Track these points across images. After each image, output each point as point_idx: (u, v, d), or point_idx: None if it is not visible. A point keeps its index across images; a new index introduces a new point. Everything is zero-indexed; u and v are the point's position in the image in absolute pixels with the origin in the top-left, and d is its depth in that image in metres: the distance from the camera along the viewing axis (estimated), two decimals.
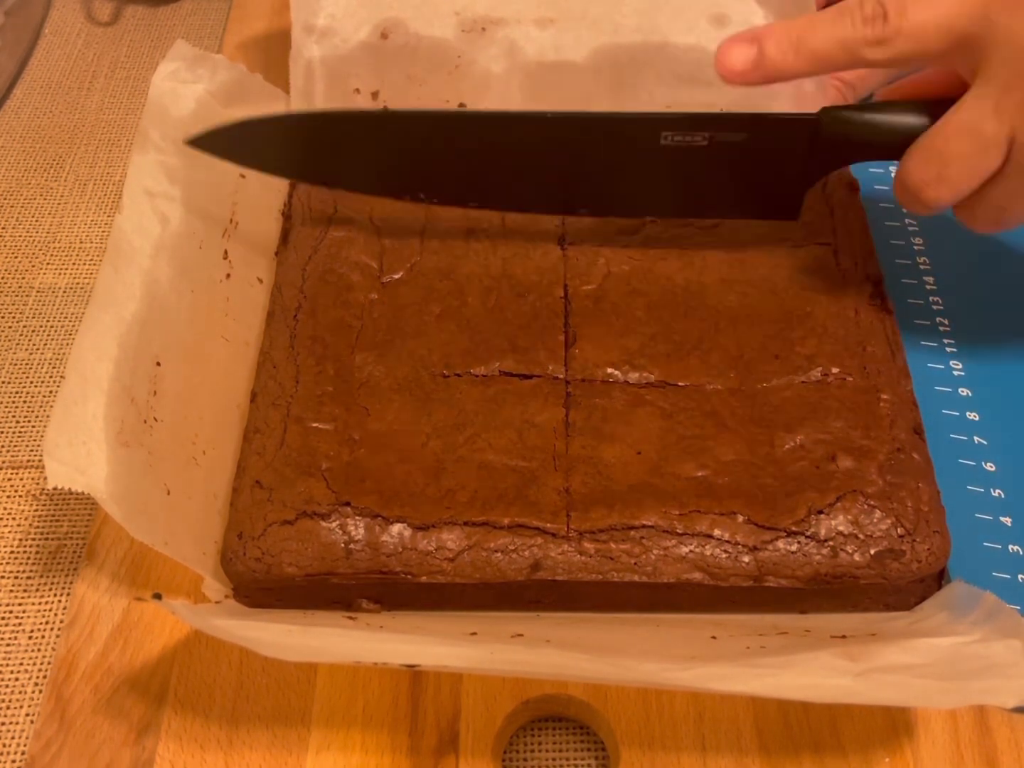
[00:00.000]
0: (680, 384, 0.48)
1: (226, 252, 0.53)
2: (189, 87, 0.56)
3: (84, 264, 0.61)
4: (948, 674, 0.37)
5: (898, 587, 0.43)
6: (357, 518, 0.43)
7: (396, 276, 0.51)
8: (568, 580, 0.42)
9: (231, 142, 0.51)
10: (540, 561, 0.42)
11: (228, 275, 0.52)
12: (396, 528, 0.43)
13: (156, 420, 0.45)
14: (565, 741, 0.44)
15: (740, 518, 0.43)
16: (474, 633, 0.42)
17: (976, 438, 0.50)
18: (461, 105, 0.62)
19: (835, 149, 0.47)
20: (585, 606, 0.44)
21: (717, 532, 0.43)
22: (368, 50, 0.62)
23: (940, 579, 0.44)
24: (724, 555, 0.43)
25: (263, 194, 0.57)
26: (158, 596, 0.39)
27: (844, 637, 0.42)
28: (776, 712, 0.42)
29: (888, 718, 0.42)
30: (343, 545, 0.42)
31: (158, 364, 0.46)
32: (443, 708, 0.43)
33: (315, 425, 0.45)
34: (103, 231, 0.63)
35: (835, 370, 0.48)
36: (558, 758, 0.43)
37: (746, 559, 0.43)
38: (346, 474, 0.44)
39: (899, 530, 0.43)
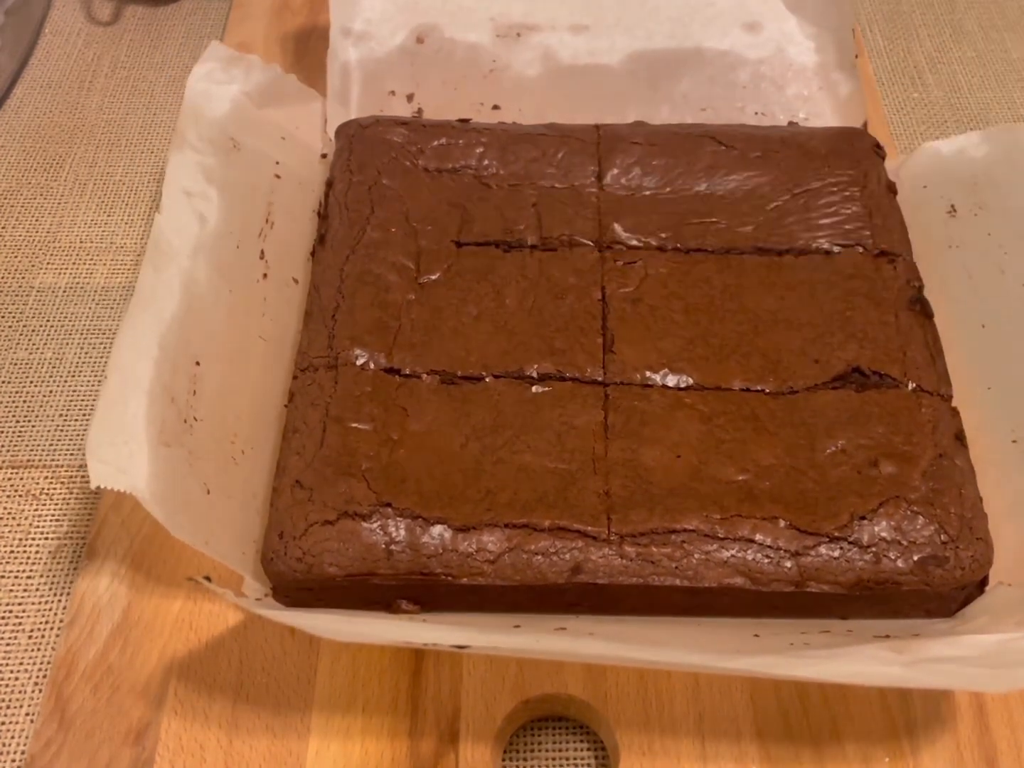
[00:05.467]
0: (719, 387, 0.47)
1: (262, 252, 0.53)
2: (224, 88, 0.56)
3: (84, 264, 0.61)
4: (996, 664, 0.36)
5: (940, 594, 0.43)
6: (398, 519, 0.43)
7: (433, 277, 0.51)
8: (609, 584, 0.42)
9: None
10: (581, 564, 0.42)
11: (265, 275, 0.52)
12: (437, 529, 0.43)
13: (196, 420, 0.45)
14: (565, 741, 0.44)
15: (782, 523, 0.43)
16: (517, 626, 0.42)
17: None
18: (495, 107, 0.62)
19: None
20: (624, 610, 0.44)
21: (759, 537, 0.43)
22: (404, 54, 0.63)
23: (982, 586, 0.44)
24: (766, 560, 0.42)
25: (298, 195, 0.57)
26: (208, 579, 0.39)
27: (887, 637, 0.41)
28: (776, 713, 0.42)
29: (888, 718, 0.42)
30: (384, 546, 0.42)
31: (197, 363, 0.46)
32: (443, 708, 0.43)
33: (354, 425, 0.45)
34: (103, 231, 0.63)
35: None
36: (558, 758, 0.43)
37: (788, 564, 0.42)
38: (386, 474, 0.44)
39: (942, 536, 0.42)
